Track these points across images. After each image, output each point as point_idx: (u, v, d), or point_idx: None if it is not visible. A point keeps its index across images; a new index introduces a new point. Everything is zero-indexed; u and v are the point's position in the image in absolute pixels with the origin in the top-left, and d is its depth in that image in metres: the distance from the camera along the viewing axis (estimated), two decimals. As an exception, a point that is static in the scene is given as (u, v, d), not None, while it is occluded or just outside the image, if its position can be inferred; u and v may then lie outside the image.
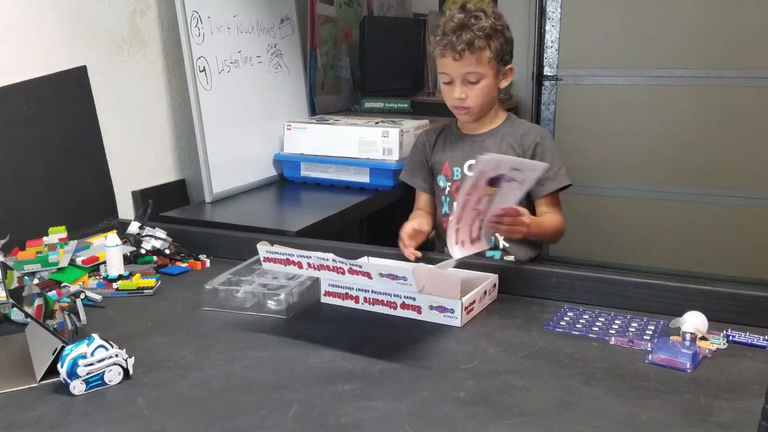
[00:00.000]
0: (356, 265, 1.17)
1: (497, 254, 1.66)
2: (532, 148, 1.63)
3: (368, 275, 1.17)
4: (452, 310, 1.27)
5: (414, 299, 1.30)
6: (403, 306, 1.31)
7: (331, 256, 1.20)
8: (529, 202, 1.66)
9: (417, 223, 1.56)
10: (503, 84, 1.65)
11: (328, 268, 1.21)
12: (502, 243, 1.66)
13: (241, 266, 1.46)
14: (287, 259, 1.25)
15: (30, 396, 1.00)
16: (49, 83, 1.68)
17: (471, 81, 1.58)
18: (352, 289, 1.35)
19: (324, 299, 1.39)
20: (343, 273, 1.19)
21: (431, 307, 1.28)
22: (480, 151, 1.66)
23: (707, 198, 3.59)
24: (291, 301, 1.33)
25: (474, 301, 1.31)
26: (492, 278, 1.39)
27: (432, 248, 1.82)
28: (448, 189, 1.70)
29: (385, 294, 1.32)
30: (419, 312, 1.30)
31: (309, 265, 1.23)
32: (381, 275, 1.15)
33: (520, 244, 1.67)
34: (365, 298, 1.34)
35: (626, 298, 1.34)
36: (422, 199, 1.78)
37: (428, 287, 1.20)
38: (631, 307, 1.33)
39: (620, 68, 3.66)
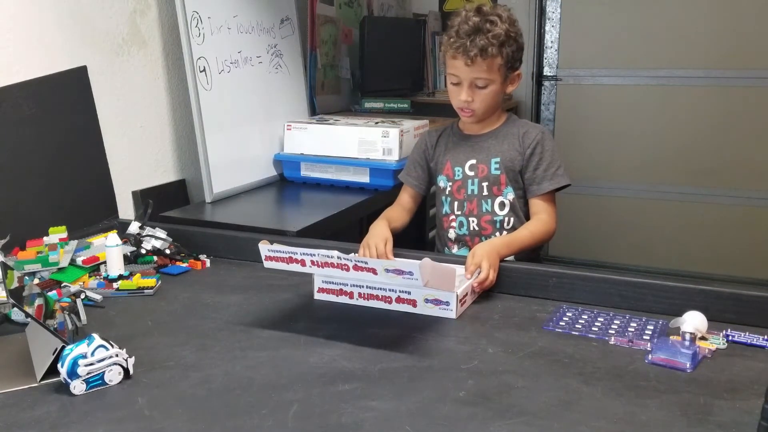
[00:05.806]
0: (362, 261, 1.17)
1: None
2: (532, 146, 1.63)
3: (374, 271, 1.16)
4: (447, 303, 1.27)
5: (409, 293, 1.29)
6: (399, 300, 1.31)
7: (336, 253, 1.19)
8: (524, 198, 1.66)
9: (386, 233, 1.55)
10: (509, 89, 1.65)
11: (332, 265, 1.20)
12: None
13: None
14: (290, 257, 1.24)
15: (30, 396, 1.00)
16: (49, 83, 1.68)
17: (479, 86, 1.58)
18: (347, 285, 1.34)
19: (317, 296, 1.38)
20: (347, 270, 1.19)
21: (426, 301, 1.28)
22: (482, 151, 1.67)
23: (707, 198, 3.59)
24: None
25: (467, 294, 1.32)
26: (478, 271, 1.39)
27: (432, 248, 1.83)
28: (449, 189, 1.70)
29: (380, 289, 1.31)
30: (414, 305, 1.30)
31: (312, 262, 1.22)
32: (387, 270, 1.15)
33: None
34: (360, 294, 1.34)
35: (626, 298, 1.34)
36: (405, 195, 1.77)
37: (430, 281, 1.20)
38: (630, 307, 1.33)
39: (620, 68, 3.66)
